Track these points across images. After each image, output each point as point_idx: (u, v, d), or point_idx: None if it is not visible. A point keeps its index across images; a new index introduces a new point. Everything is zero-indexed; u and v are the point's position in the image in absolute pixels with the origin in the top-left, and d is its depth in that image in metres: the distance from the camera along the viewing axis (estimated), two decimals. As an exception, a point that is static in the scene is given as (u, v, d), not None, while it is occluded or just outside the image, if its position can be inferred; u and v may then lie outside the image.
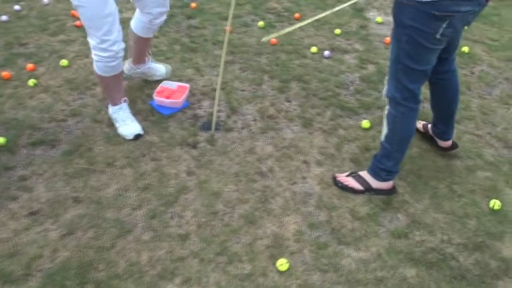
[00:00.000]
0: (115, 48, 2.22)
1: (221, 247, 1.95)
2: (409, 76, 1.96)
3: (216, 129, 2.57)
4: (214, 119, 2.54)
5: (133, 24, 2.62)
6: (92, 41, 2.23)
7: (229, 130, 2.59)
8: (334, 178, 2.27)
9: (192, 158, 2.38)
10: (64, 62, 3.07)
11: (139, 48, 2.72)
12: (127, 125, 2.47)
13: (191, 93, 2.84)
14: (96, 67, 2.33)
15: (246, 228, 2.03)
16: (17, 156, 2.35)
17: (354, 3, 4.14)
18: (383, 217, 2.13)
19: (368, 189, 2.21)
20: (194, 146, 2.46)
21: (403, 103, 2.02)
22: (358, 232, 2.05)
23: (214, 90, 2.88)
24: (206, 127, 2.60)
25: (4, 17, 3.58)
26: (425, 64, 1.93)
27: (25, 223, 2.01)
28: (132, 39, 2.67)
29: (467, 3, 1.74)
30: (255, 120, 2.67)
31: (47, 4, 3.88)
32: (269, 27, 3.69)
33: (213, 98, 2.78)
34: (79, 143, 2.44)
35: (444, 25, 1.77)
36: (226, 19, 3.67)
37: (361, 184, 2.22)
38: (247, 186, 2.24)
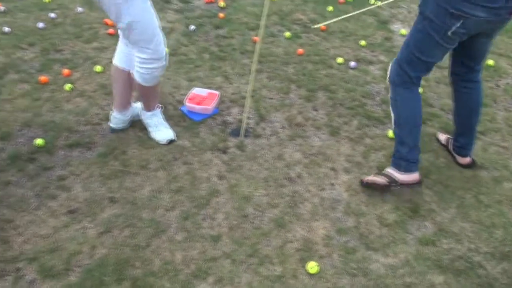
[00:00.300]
0: (164, 58, 2.27)
1: (252, 249, 2.00)
2: (411, 64, 2.11)
3: (245, 135, 2.64)
4: (244, 125, 2.61)
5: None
6: (142, 55, 2.20)
7: (258, 136, 2.65)
8: (361, 181, 2.32)
9: (223, 162, 2.45)
10: (98, 68, 3.18)
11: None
12: (161, 130, 2.55)
13: (221, 100, 2.92)
14: (142, 79, 2.31)
15: (276, 232, 2.09)
16: (55, 157, 2.45)
17: (379, 16, 4.21)
18: (411, 224, 2.17)
19: (392, 181, 2.25)
20: (224, 151, 2.53)
21: (401, 86, 2.18)
22: (386, 239, 2.09)
23: (243, 97, 2.96)
24: (236, 133, 2.67)
25: (40, 24, 3.71)
26: (430, 56, 2.07)
27: (64, 220, 2.09)
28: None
29: (483, 9, 1.83)
30: (283, 127, 2.74)
31: (81, 13, 4.01)
32: (295, 38, 3.76)
33: (242, 106, 2.87)
34: (114, 146, 2.52)
35: (458, 24, 1.89)
36: (253, 29, 3.77)
37: (386, 177, 2.27)
38: (276, 191, 2.30)
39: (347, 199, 2.27)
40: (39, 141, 2.50)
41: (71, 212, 2.14)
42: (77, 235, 2.02)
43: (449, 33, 1.92)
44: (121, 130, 2.62)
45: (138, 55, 2.21)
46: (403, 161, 2.24)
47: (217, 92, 2.90)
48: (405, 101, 2.20)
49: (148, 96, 2.51)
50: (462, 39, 2.00)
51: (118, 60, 2.43)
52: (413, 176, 2.26)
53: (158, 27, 2.20)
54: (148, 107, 2.58)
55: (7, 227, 2.04)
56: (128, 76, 2.42)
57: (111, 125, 2.62)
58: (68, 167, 2.38)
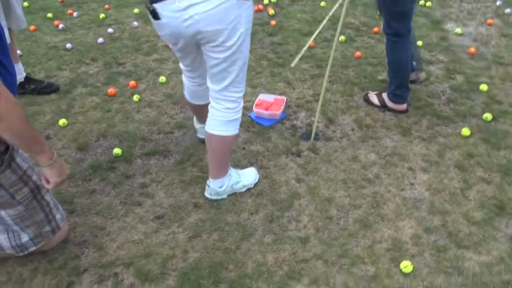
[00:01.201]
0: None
1: (342, 249, 2.00)
2: (393, 17, 2.57)
3: (315, 138, 2.65)
4: (314, 129, 2.62)
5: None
6: (241, 94, 2.03)
7: (329, 139, 2.66)
8: (366, 94, 2.94)
9: (298, 166, 2.47)
10: (162, 79, 3.25)
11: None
12: (243, 179, 2.35)
13: (287, 105, 2.94)
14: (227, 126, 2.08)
15: (363, 232, 2.08)
16: (134, 165, 2.51)
17: (430, 16, 4.17)
18: (499, 221, 2.13)
19: (383, 106, 2.88)
20: (298, 154, 2.55)
21: (391, 38, 2.63)
22: (476, 237, 2.06)
23: (308, 102, 2.98)
24: (305, 137, 2.68)
25: (100, 39, 3.83)
26: (403, 7, 2.50)
27: (153, 226, 2.13)
28: None
29: None
30: (353, 129, 2.74)
31: (136, 27, 4.12)
32: (350, 41, 3.77)
33: (308, 110, 2.89)
34: (190, 153, 2.57)
35: None
36: (306, 35, 3.80)
37: (380, 102, 2.88)
38: (357, 192, 2.29)
39: (429, 198, 2.25)
40: (117, 151, 2.57)
41: (158, 217, 2.18)
42: (168, 239, 2.06)
43: None
44: (194, 138, 2.67)
45: (239, 95, 2.02)
46: (392, 95, 2.80)
47: (283, 97, 2.92)
48: (395, 50, 2.67)
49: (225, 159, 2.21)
50: None
51: (191, 98, 2.33)
52: (401, 107, 2.83)
53: None
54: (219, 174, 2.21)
55: (100, 234, 2.10)
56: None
57: (199, 136, 2.60)
58: (148, 175, 2.44)
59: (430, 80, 3.20)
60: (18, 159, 1.71)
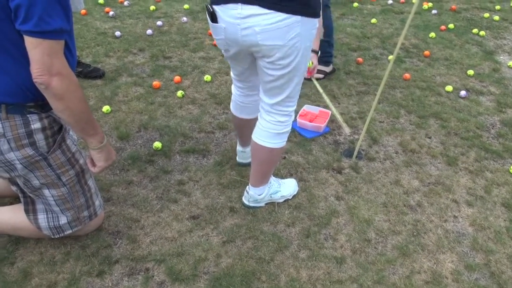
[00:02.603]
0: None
1: (378, 275, 1.93)
2: None
3: (358, 157, 2.59)
4: (358, 147, 2.56)
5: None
6: (293, 107, 1.98)
7: (372, 159, 2.59)
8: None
9: (339, 183, 2.41)
10: (207, 77, 3.24)
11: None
12: (282, 189, 2.30)
13: (330, 119, 2.89)
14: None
15: (401, 260, 2.01)
16: (172, 161, 2.49)
17: (483, 46, 4.07)
18: (545, 268, 2.03)
19: (325, 74, 3.35)
20: (339, 171, 2.49)
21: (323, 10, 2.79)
22: (520, 281, 1.97)
23: (352, 118, 2.92)
24: (347, 154, 2.62)
25: (149, 31, 3.85)
26: None
27: (188, 225, 2.11)
28: None
29: None
30: (396, 152, 2.67)
31: (185, 22, 4.13)
32: (399, 62, 3.69)
33: (352, 127, 2.83)
34: (229, 156, 2.54)
35: None
36: (355, 50, 3.74)
37: (320, 73, 3.32)
38: (397, 217, 2.22)
39: (472, 234, 2.17)
40: (157, 144, 2.56)
41: (193, 217, 2.15)
42: (202, 241, 2.03)
43: None
44: (235, 141, 2.64)
45: (291, 110, 1.96)
46: (331, 57, 3.31)
47: (328, 111, 2.87)
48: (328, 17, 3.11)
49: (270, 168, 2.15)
50: None
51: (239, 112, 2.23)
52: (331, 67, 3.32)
53: None
54: (260, 183, 2.17)
55: (134, 226, 2.08)
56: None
57: (239, 159, 2.49)
58: (186, 173, 2.42)
59: (480, 111, 3.10)
60: (68, 141, 1.71)
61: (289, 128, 1.99)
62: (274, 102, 1.89)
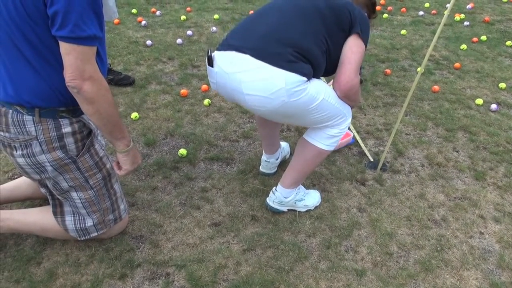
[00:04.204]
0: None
1: (399, 290, 1.91)
2: None
3: (382, 169, 2.57)
4: (382, 159, 2.54)
5: None
6: (341, 130, 2.01)
7: (396, 172, 2.57)
8: None
9: (362, 195, 2.39)
10: (234, 86, 3.27)
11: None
12: (306, 199, 2.32)
13: (356, 131, 2.87)
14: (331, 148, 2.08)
15: (423, 275, 1.98)
16: (197, 169, 2.53)
17: (517, 58, 3.98)
18: None
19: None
20: (362, 183, 2.47)
21: None
22: (548, 302, 1.90)
23: (378, 130, 2.90)
24: (371, 166, 2.60)
25: (179, 40, 3.93)
26: None
27: (210, 232, 2.13)
28: None
29: None
30: (422, 165, 2.63)
31: (215, 32, 4.20)
32: (428, 74, 3.65)
33: (377, 138, 2.81)
34: (253, 164, 2.56)
35: None
36: (383, 61, 3.71)
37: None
38: (421, 231, 2.19)
39: (499, 251, 2.11)
40: (182, 151, 2.60)
41: (215, 224, 2.18)
42: (222, 248, 2.05)
43: None
44: (259, 150, 2.65)
45: (333, 130, 2.00)
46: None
47: (351, 133, 2.80)
48: None
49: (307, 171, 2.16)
50: None
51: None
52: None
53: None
54: (291, 184, 2.19)
55: (157, 231, 2.12)
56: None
57: (262, 169, 2.50)
58: (210, 180, 2.45)
59: (511, 126, 3.03)
60: (96, 146, 1.77)
61: (342, 134, 2.03)
62: (316, 127, 1.99)
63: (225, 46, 1.82)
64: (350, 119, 2.05)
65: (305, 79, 1.73)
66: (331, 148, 2.05)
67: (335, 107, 1.90)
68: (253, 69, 1.72)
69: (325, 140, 2.01)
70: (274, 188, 2.20)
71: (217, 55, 1.82)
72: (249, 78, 1.73)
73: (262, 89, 1.72)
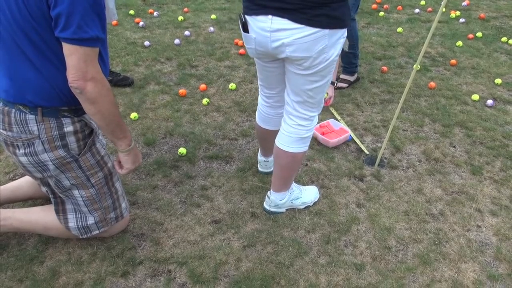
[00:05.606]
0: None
1: (398, 283, 1.93)
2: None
3: (380, 165, 2.59)
4: (380, 155, 2.57)
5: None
6: (315, 113, 2.01)
7: (394, 167, 2.59)
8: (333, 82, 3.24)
9: (360, 190, 2.42)
10: (232, 85, 3.30)
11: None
12: (303, 195, 2.35)
13: (353, 128, 2.90)
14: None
15: (421, 268, 2.00)
16: (196, 167, 2.55)
17: (513, 54, 4.01)
18: None
19: (349, 84, 3.38)
20: (361, 179, 2.50)
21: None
22: (545, 293, 1.93)
23: (375, 126, 2.93)
24: (369, 162, 2.63)
25: (177, 41, 3.95)
26: None
27: (210, 229, 2.15)
28: None
29: None
30: (420, 161, 2.66)
31: (212, 32, 4.22)
32: (425, 71, 3.68)
33: (375, 135, 2.83)
34: (252, 162, 2.58)
35: None
36: (379, 59, 3.74)
37: (344, 83, 3.36)
38: (419, 226, 2.22)
39: (496, 244, 2.14)
40: (182, 150, 2.62)
41: (215, 222, 2.20)
42: (223, 245, 2.07)
43: None
44: (258, 148, 2.68)
45: (311, 115, 1.98)
46: (356, 67, 3.34)
47: (348, 131, 2.81)
48: (354, 30, 3.15)
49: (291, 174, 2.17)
50: None
51: (263, 123, 2.26)
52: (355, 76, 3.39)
53: None
54: (281, 188, 2.20)
55: (158, 229, 2.14)
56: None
57: (260, 168, 2.52)
58: (209, 178, 2.47)
59: (507, 121, 3.06)
60: (98, 145, 1.79)
61: (310, 133, 2.02)
62: (297, 100, 1.91)
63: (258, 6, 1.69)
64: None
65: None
66: (304, 149, 2.04)
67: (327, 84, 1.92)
68: (296, 29, 1.64)
69: (294, 144, 2.00)
70: (268, 193, 2.23)
71: (251, 20, 1.72)
72: (293, 37, 1.66)
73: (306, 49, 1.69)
